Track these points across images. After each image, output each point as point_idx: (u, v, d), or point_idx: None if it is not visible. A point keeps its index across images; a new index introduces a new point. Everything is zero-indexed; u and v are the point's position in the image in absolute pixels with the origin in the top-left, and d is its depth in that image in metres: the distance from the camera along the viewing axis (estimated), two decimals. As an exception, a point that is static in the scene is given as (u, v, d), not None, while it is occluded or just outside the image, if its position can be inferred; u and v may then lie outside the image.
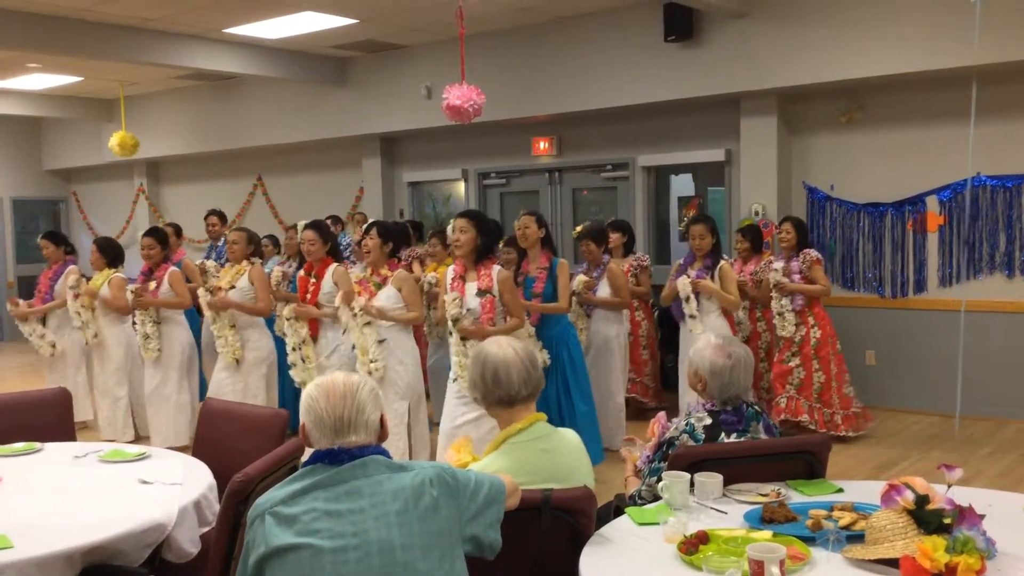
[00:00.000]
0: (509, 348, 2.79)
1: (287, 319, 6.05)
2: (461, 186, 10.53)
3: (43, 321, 7.68)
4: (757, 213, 7.96)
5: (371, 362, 5.47)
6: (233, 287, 6.42)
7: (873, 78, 7.25)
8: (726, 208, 8.60)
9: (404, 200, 10.95)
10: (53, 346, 7.59)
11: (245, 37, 9.17)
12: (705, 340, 3.21)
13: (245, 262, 6.50)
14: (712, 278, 6.21)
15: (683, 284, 6.25)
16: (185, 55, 9.18)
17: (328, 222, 9.28)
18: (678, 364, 6.66)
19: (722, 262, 6.26)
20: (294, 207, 11.62)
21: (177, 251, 8.23)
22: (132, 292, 6.78)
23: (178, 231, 8.76)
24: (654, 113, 8.77)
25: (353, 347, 5.61)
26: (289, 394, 6.79)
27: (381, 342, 5.48)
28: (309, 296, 6.07)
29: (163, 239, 7.04)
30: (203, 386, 7.65)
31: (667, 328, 7.77)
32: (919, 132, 7.53)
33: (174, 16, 8.37)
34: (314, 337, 6.07)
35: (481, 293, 5.17)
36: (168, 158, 13.12)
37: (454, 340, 5.20)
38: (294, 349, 6.02)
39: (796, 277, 6.65)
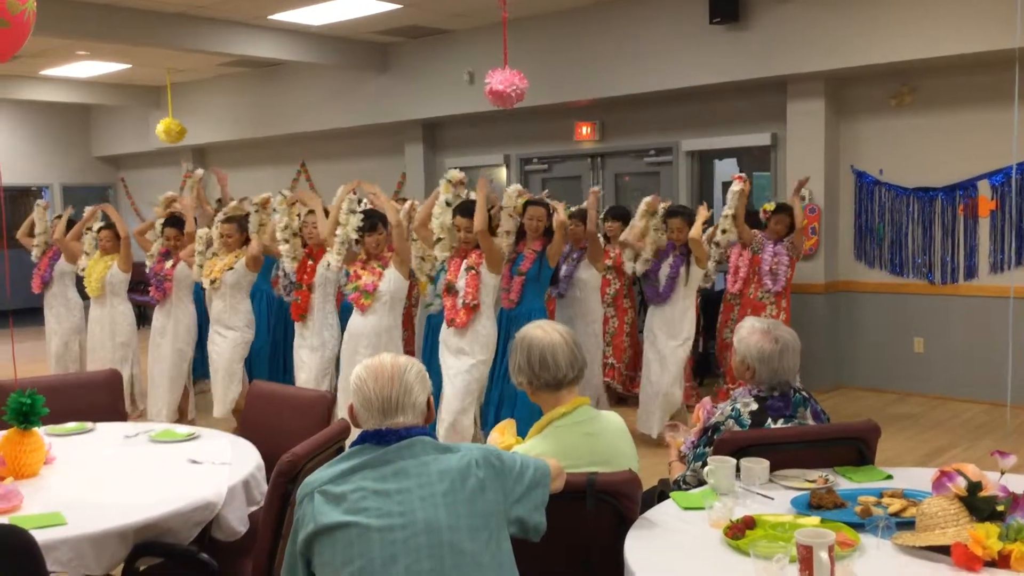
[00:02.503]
0: (554, 331, 2.78)
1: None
2: (503, 171, 10.52)
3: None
4: (803, 198, 7.84)
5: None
6: (231, 268, 6.52)
7: (924, 60, 7.11)
8: (772, 193, 8.50)
9: (446, 186, 10.95)
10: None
11: (290, 24, 9.24)
12: (748, 326, 3.15)
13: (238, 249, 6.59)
14: (687, 262, 6.29)
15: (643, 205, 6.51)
16: (231, 42, 9.27)
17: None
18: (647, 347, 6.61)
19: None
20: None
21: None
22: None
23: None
24: (698, 97, 8.68)
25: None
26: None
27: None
28: (306, 276, 6.34)
29: (183, 227, 7.14)
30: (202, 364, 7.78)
31: (708, 314, 7.73)
32: (971, 115, 7.38)
33: (220, 3, 8.44)
34: (303, 315, 6.27)
35: (468, 268, 5.58)
36: (214, 144, 13.27)
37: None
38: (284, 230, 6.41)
39: (785, 258, 6.83)
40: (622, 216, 7.35)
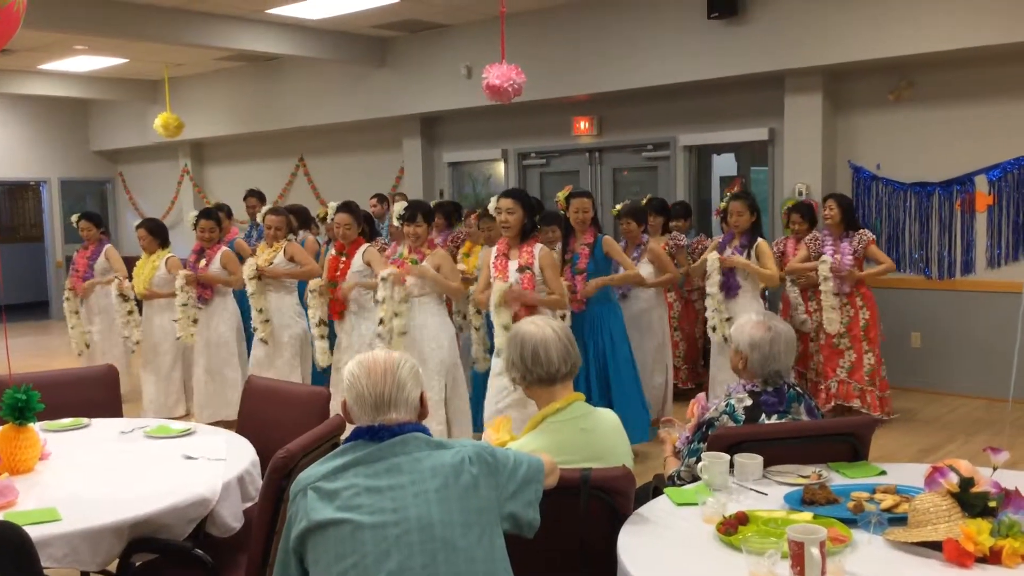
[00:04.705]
0: (547, 327, 2.79)
1: (311, 291, 6.19)
2: (501, 166, 10.52)
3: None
4: (801, 193, 7.85)
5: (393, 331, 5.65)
6: (270, 263, 6.57)
7: (922, 54, 7.10)
8: (769, 188, 8.50)
9: (444, 180, 10.96)
10: (87, 345, 7.87)
11: (287, 18, 9.22)
12: (746, 318, 3.20)
13: (282, 240, 6.69)
14: (748, 256, 6.14)
15: (711, 260, 6.19)
16: (229, 36, 9.26)
17: (374, 201, 9.38)
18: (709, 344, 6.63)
19: (759, 240, 6.17)
20: (335, 188, 11.69)
21: (229, 231, 8.33)
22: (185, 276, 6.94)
23: (228, 212, 8.84)
24: (696, 92, 8.67)
25: (381, 321, 5.72)
26: (319, 375, 6.90)
27: (402, 334, 5.68)
28: (339, 274, 6.26)
29: (219, 220, 7.20)
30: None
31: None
32: (969, 110, 7.37)
33: (217, -3, 8.43)
34: (342, 311, 6.22)
35: (522, 269, 5.22)
36: (212, 139, 13.26)
37: (496, 320, 5.22)
38: (317, 325, 6.20)
39: (848, 258, 6.49)
40: (663, 210, 7.39)
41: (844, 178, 8.04)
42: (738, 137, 8.64)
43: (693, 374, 7.65)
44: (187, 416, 7.12)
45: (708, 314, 6.26)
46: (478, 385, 6.23)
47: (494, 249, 5.41)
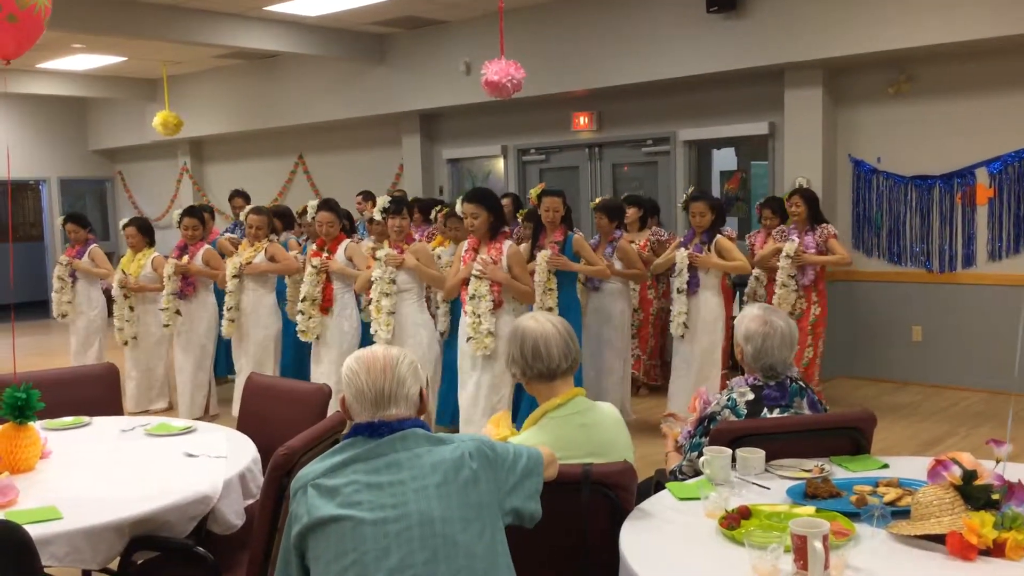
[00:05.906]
0: (547, 322, 2.79)
1: (312, 266, 6.23)
2: (500, 163, 10.51)
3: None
4: (801, 187, 7.83)
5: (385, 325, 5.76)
6: (250, 262, 6.67)
7: (922, 48, 7.08)
8: (770, 182, 8.49)
9: (444, 177, 10.95)
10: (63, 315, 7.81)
11: (285, 15, 9.21)
12: (749, 310, 3.19)
13: (264, 240, 6.75)
14: (707, 249, 6.17)
15: (680, 256, 6.21)
16: (227, 34, 9.25)
17: (359, 199, 9.37)
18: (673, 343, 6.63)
19: (718, 236, 6.19)
20: (335, 185, 11.67)
21: (212, 231, 8.37)
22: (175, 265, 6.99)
23: (212, 213, 8.86)
24: (696, 86, 8.66)
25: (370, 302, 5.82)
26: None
27: (391, 314, 5.79)
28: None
29: (203, 219, 7.26)
30: (224, 361, 7.84)
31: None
32: (969, 103, 7.36)
33: (215, -5, 8.42)
34: (328, 307, 6.23)
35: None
36: (211, 137, 13.25)
37: (469, 300, 5.36)
38: (303, 300, 6.22)
39: (812, 250, 6.57)
40: (636, 202, 7.48)
41: (844, 172, 8.02)
42: (738, 131, 8.62)
43: (666, 370, 7.63)
44: (169, 410, 7.23)
45: (673, 311, 6.28)
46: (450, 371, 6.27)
47: (465, 243, 5.58)
